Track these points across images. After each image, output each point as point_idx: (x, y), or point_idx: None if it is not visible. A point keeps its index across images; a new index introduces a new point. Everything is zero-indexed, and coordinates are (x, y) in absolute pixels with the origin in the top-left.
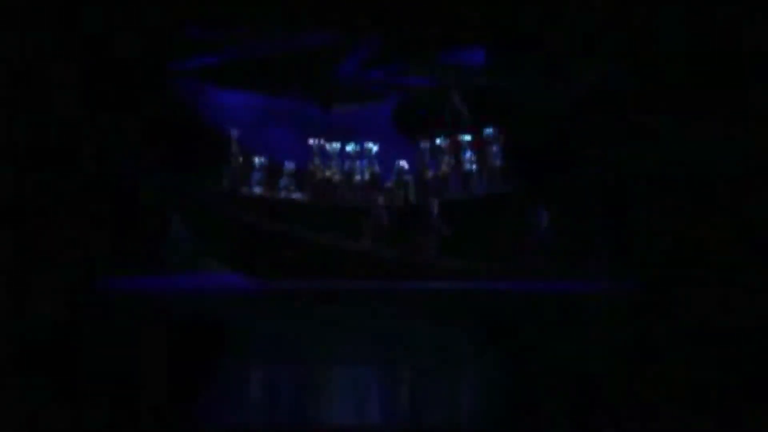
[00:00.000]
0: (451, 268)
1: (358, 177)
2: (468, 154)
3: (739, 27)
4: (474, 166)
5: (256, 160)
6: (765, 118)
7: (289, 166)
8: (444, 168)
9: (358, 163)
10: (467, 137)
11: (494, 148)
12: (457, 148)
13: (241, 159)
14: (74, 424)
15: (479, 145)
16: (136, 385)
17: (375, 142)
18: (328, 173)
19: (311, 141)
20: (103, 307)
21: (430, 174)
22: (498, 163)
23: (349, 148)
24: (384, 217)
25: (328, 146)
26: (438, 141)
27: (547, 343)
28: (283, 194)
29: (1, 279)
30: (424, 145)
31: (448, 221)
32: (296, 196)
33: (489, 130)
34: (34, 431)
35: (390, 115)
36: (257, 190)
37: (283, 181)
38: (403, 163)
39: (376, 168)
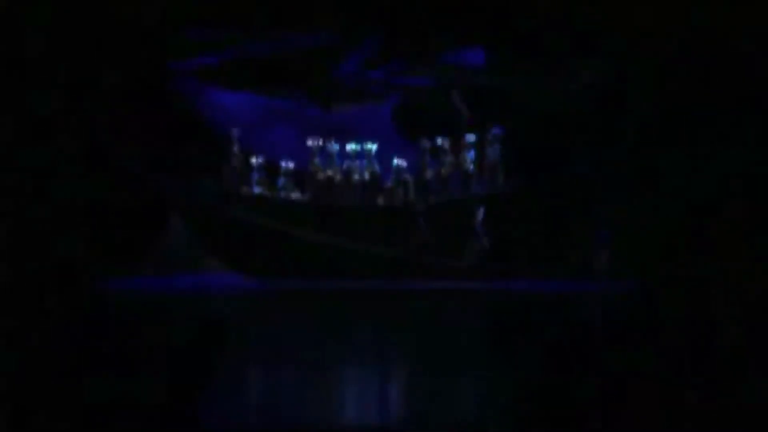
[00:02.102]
0: (452, 268)
1: (357, 177)
2: (468, 154)
3: (739, 27)
4: (473, 166)
5: (256, 160)
6: (765, 117)
7: (289, 166)
8: (444, 168)
9: (358, 163)
10: (467, 137)
11: (494, 148)
12: (458, 148)
13: (241, 159)
14: (74, 423)
15: (479, 145)
16: (136, 385)
17: (375, 142)
18: (328, 173)
19: (311, 141)
20: (103, 307)
21: (429, 174)
22: (498, 163)
23: (349, 148)
24: (427, 223)
25: (328, 146)
26: (438, 141)
27: (547, 342)
28: (282, 194)
29: (2, 279)
30: (424, 145)
31: (487, 225)
32: (296, 196)
33: (489, 130)
34: (35, 431)
35: (390, 115)
36: (257, 190)
37: (283, 181)
38: (402, 163)
39: (376, 168)
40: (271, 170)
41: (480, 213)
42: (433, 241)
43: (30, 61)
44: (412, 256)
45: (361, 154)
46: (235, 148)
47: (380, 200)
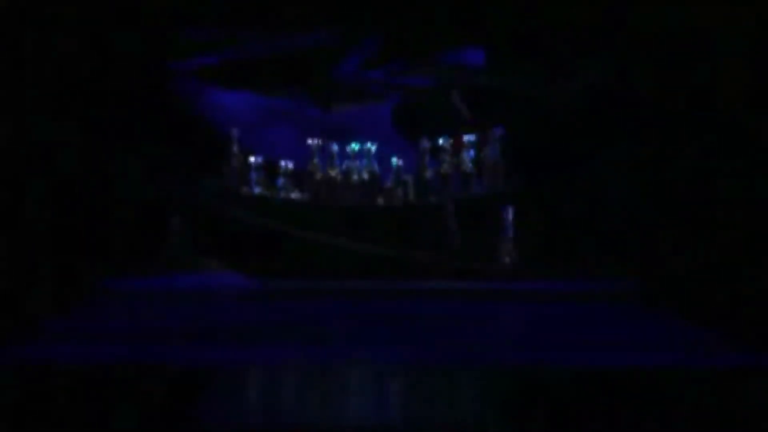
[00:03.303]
0: (452, 268)
1: (357, 177)
2: (468, 154)
3: (738, 26)
4: (473, 166)
5: (256, 159)
6: (764, 115)
7: (289, 165)
8: (444, 168)
9: (358, 163)
10: (467, 137)
11: (494, 148)
12: (458, 148)
13: (241, 159)
14: (74, 424)
15: (479, 145)
16: (135, 385)
17: (375, 142)
18: (328, 173)
19: (311, 141)
20: (102, 307)
21: (429, 174)
22: (498, 162)
23: (349, 148)
24: (452, 223)
25: (328, 146)
26: (438, 141)
27: (547, 342)
28: (282, 194)
29: (1, 279)
30: (424, 145)
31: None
32: (296, 195)
33: (489, 130)
34: (34, 430)
35: (390, 115)
36: (257, 189)
37: (283, 181)
38: (401, 163)
39: (376, 168)
40: (271, 170)
41: (509, 212)
42: (461, 241)
43: (29, 60)
44: (441, 257)
45: (361, 154)
46: (235, 148)
47: (380, 200)
